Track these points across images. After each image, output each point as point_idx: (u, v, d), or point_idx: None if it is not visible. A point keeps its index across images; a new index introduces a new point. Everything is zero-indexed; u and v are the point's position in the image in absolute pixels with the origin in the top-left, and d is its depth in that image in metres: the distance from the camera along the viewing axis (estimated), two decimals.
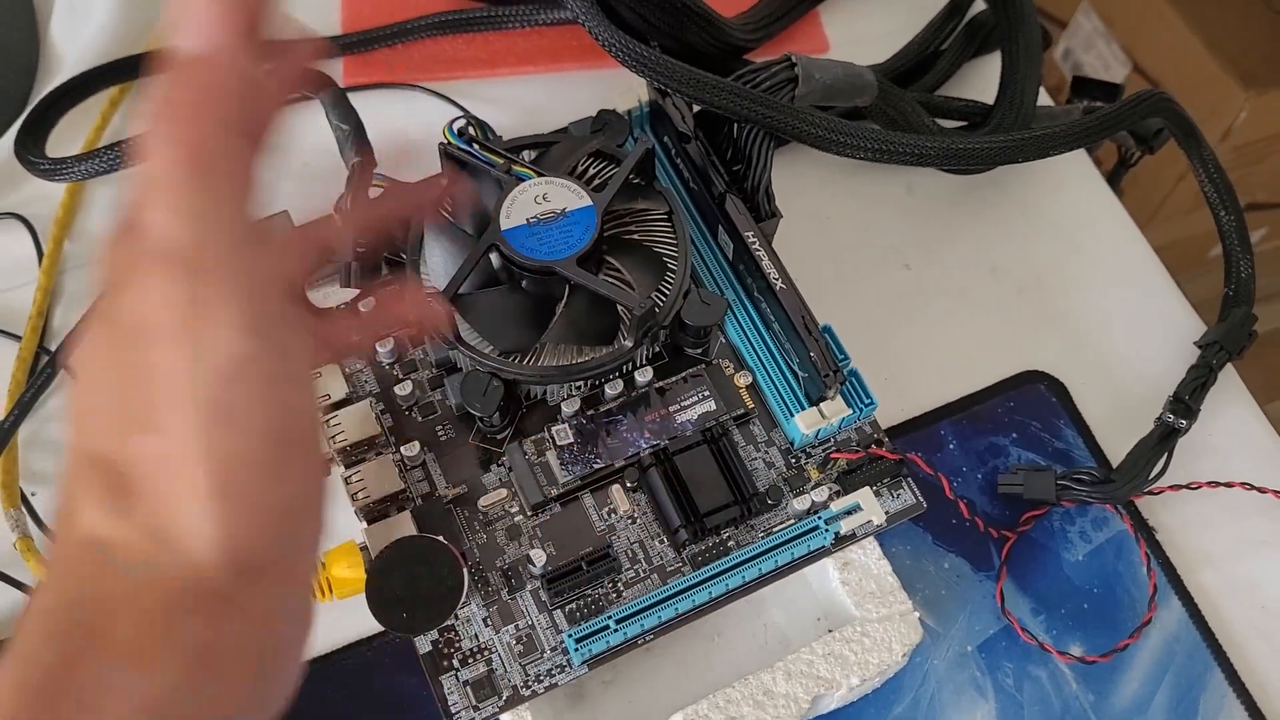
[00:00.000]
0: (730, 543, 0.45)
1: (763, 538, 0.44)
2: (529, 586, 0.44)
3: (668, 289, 0.46)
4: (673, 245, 0.47)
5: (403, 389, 0.46)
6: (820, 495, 0.45)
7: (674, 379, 0.47)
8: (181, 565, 0.27)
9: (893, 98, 0.52)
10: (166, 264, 0.28)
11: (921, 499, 0.46)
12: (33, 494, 0.50)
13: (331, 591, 0.42)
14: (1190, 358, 0.53)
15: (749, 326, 0.48)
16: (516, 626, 0.43)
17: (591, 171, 0.48)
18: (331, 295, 0.48)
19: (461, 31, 0.61)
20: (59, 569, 0.28)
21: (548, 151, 0.48)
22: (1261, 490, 0.51)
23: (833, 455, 0.46)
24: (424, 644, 0.43)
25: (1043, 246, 0.58)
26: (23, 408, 0.50)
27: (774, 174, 0.48)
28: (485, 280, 0.46)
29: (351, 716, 0.46)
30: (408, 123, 0.58)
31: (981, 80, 0.61)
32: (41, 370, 0.51)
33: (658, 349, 0.47)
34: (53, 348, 0.52)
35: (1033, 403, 0.54)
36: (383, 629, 0.46)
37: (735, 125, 0.48)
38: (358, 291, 0.48)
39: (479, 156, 0.46)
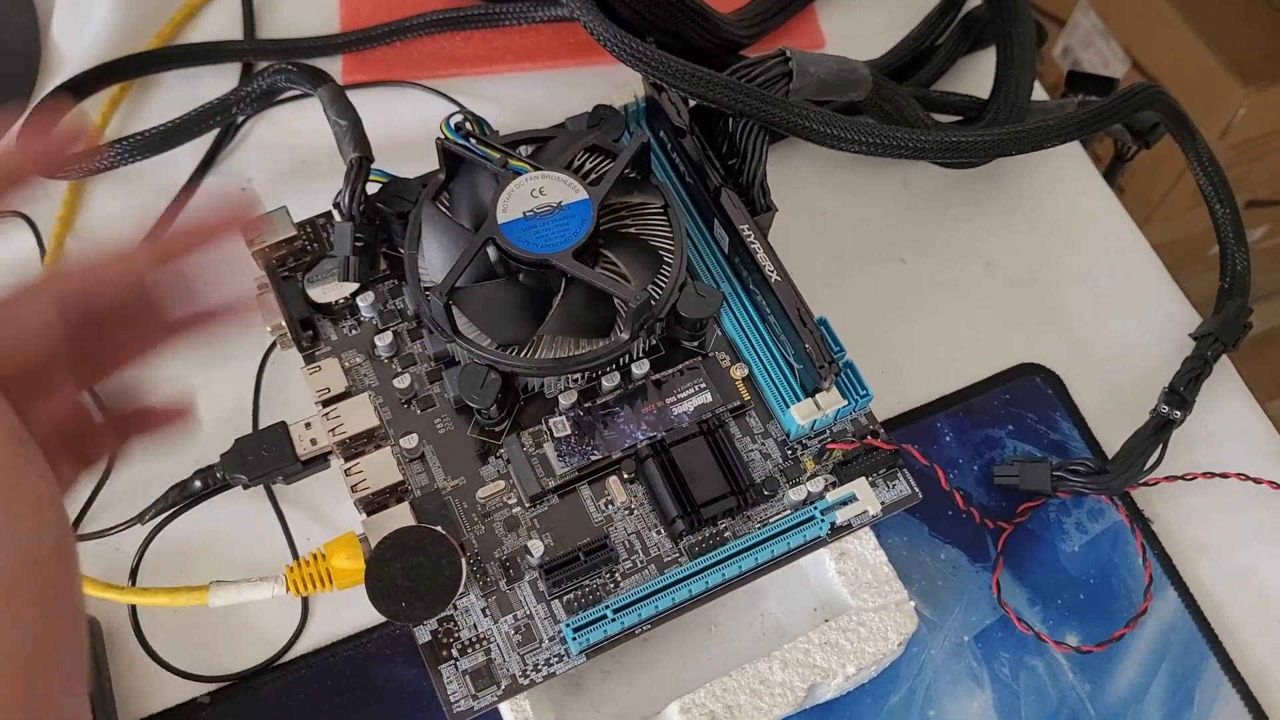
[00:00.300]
0: (727, 533, 0.45)
1: (759, 528, 0.44)
2: (527, 577, 0.44)
3: (663, 282, 0.46)
4: (668, 239, 0.47)
5: (401, 382, 0.47)
6: (816, 486, 0.45)
7: (670, 371, 0.47)
8: None
9: (887, 92, 0.53)
10: None
11: (917, 489, 0.46)
12: None
13: (331, 582, 0.43)
14: (1185, 350, 0.53)
15: (745, 319, 0.48)
16: (515, 617, 0.43)
17: (588, 166, 0.49)
18: (330, 290, 0.48)
19: (459, 29, 0.62)
20: None
21: (544, 146, 0.49)
22: (1257, 481, 0.51)
23: (828, 446, 0.46)
24: (423, 634, 0.43)
25: (1038, 240, 0.58)
26: None
27: (770, 169, 0.49)
28: (482, 273, 0.46)
29: (352, 708, 0.46)
30: (406, 120, 0.59)
31: (976, 75, 0.62)
32: None
33: (654, 342, 0.48)
34: None
35: (1028, 395, 0.54)
36: (382, 620, 0.47)
37: (730, 120, 0.48)
38: (356, 286, 0.48)
39: (476, 151, 0.46)
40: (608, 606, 0.42)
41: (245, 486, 0.45)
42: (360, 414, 0.45)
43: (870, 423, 0.47)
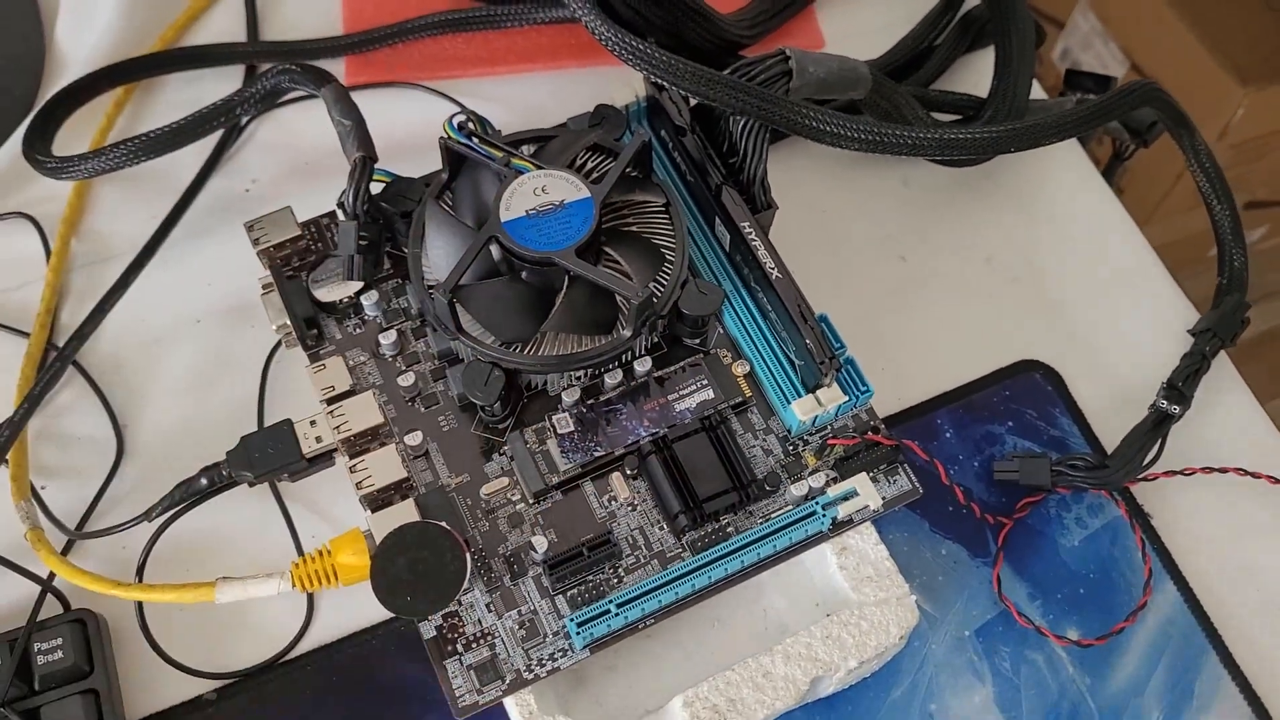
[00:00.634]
0: (729, 528, 0.45)
1: (761, 523, 0.45)
2: (531, 573, 0.44)
3: (665, 279, 0.46)
4: (670, 236, 0.47)
5: (405, 380, 0.47)
6: (818, 481, 0.45)
7: (673, 368, 0.48)
8: None
9: (886, 91, 0.53)
10: None
11: (917, 484, 0.46)
12: (42, 487, 0.51)
13: (337, 579, 0.43)
14: (1184, 346, 0.54)
15: (746, 317, 0.48)
16: (519, 612, 0.44)
17: (590, 165, 0.49)
18: (334, 289, 0.48)
19: (461, 30, 0.62)
20: None
21: (546, 146, 0.49)
22: (1255, 475, 0.51)
23: (830, 442, 0.46)
24: (428, 629, 0.43)
25: (1037, 238, 0.59)
26: (32, 402, 0.50)
27: (771, 168, 0.49)
28: (486, 272, 0.46)
29: (358, 704, 0.47)
30: (409, 121, 0.59)
31: (975, 75, 0.62)
32: (50, 366, 0.52)
33: (656, 339, 0.48)
34: (60, 344, 0.53)
35: (1028, 391, 0.54)
36: (388, 617, 0.47)
37: (731, 119, 0.48)
38: (361, 285, 0.48)
39: (478, 150, 0.47)
40: (611, 601, 0.43)
41: (251, 484, 0.45)
42: (365, 412, 0.46)
43: (871, 418, 0.48)
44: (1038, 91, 0.61)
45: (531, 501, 0.46)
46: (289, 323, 0.48)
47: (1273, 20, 1.12)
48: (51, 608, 0.47)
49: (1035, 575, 0.50)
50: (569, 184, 0.46)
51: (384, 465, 0.45)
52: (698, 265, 0.50)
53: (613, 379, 0.47)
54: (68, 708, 0.45)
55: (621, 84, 0.53)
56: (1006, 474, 0.51)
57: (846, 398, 0.46)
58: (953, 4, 0.62)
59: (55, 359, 0.52)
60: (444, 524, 0.42)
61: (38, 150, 0.54)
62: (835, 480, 0.46)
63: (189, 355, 0.54)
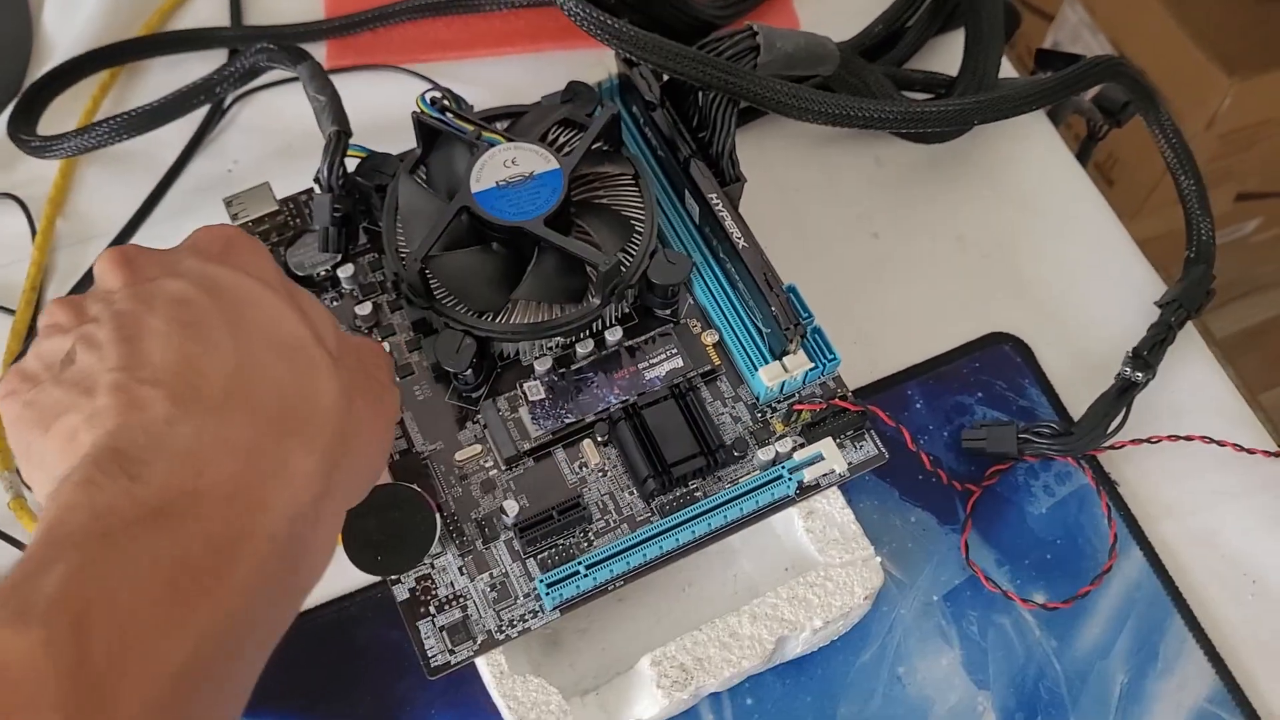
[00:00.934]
0: (697, 493, 0.46)
1: (728, 487, 0.46)
2: (503, 537, 0.45)
3: (634, 249, 0.47)
4: (639, 208, 0.48)
5: None
6: (785, 447, 0.46)
7: (643, 338, 0.49)
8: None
9: (856, 68, 0.54)
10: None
11: (883, 450, 0.47)
12: None
13: None
14: (1152, 318, 0.55)
15: (715, 287, 0.49)
16: (491, 575, 0.45)
17: (562, 140, 0.50)
18: (307, 261, 0.49)
19: (440, 14, 0.63)
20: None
21: (519, 121, 0.50)
22: (1220, 443, 0.52)
23: (795, 408, 0.47)
24: (402, 591, 0.44)
25: (1008, 214, 0.59)
26: None
27: (746, 147, 0.50)
28: (457, 242, 0.47)
29: (335, 667, 0.48)
30: (389, 103, 0.60)
31: (947, 55, 0.63)
32: None
33: (628, 310, 0.49)
34: None
35: (997, 363, 0.55)
36: (364, 584, 0.48)
37: (700, 94, 0.49)
38: (337, 257, 0.49)
39: (451, 124, 0.48)
40: (580, 563, 0.43)
41: None
42: None
43: (839, 386, 0.48)
44: (1006, 68, 0.61)
45: (504, 468, 0.46)
46: None
47: (1258, 10, 1.13)
48: None
49: (1003, 542, 0.51)
50: (538, 156, 0.46)
51: None
52: (668, 237, 0.51)
53: (584, 348, 0.48)
54: None
55: (596, 65, 0.53)
56: (974, 442, 0.52)
57: (813, 365, 0.47)
58: None
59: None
60: (414, 486, 0.43)
61: (22, 130, 0.55)
62: (802, 445, 0.47)
63: None
